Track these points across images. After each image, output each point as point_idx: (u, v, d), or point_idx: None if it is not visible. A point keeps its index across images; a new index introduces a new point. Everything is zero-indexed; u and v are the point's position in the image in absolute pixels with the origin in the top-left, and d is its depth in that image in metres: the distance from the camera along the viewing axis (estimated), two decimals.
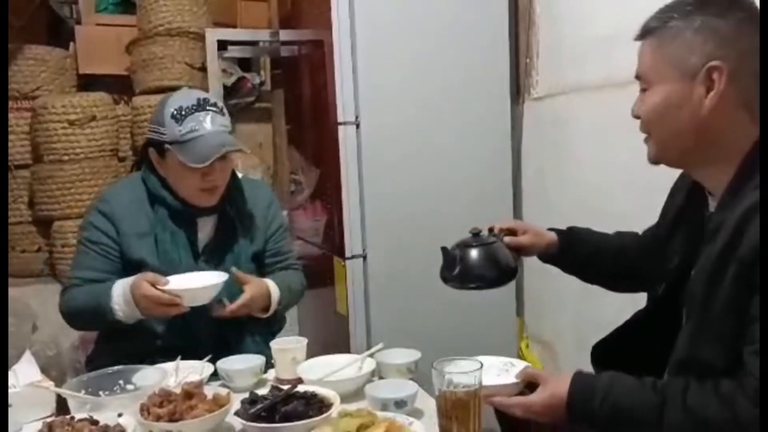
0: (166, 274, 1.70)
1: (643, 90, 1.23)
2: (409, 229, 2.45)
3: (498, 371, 1.41)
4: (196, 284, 1.66)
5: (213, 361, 1.61)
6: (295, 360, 1.57)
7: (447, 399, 1.17)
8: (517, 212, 2.67)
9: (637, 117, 1.26)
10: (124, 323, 1.69)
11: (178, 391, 1.35)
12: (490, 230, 1.59)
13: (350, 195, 2.40)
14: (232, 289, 1.73)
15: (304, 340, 1.62)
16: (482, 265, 1.51)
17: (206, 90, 3.09)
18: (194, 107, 1.72)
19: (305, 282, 2.02)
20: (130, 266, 1.78)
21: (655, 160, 1.26)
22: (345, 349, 2.43)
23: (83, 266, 1.79)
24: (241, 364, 1.59)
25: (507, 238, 1.57)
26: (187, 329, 1.75)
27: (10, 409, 1.42)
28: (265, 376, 1.62)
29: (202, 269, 1.77)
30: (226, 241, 1.83)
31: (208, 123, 1.71)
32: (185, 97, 1.76)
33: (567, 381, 1.21)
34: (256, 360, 1.60)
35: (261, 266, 1.92)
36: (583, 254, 1.58)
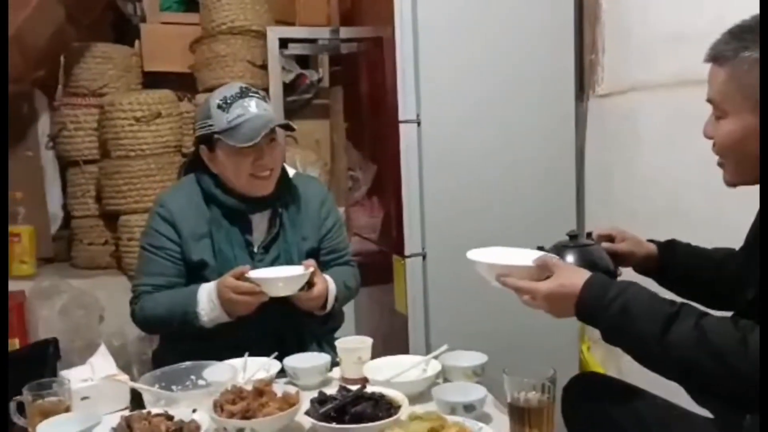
0: (223, 270, 1.74)
1: (717, 117, 1.23)
2: (470, 227, 2.43)
3: (521, 259, 1.39)
4: (281, 274, 1.71)
5: (278, 358, 1.63)
6: (360, 360, 1.58)
7: (520, 405, 1.16)
8: (580, 211, 2.63)
9: (708, 137, 1.25)
10: (205, 328, 1.72)
11: (249, 388, 1.38)
12: (588, 235, 1.59)
13: (410, 193, 2.39)
14: None
15: (369, 340, 1.62)
16: (578, 266, 1.44)
17: (266, 88, 3.13)
18: (238, 95, 1.77)
19: (360, 279, 2.03)
20: (190, 268, 1.82)
21: (731, 184, 1.26)
22: (403, 347, 2.44)
23: (151, 272, 1.83)
24: (307, 363, 1.61)
25: (605, 244, 1.53)
26: (248, 327, 1.76)
27: (86, 401, 1.47)
28: (329, 374, 1.64)
29: (257, 267, 1.78)
30: (279, 238, 1.85)
31: (253, 107, 1.76)
32: (228, 89, 1.81)
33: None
34: (322, 359, 1.62)
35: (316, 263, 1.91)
36: (683, 268, 1.53)
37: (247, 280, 1.65)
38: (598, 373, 1.66)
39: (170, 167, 3.01)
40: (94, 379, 1.51)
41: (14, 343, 2.67)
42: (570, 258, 1.48)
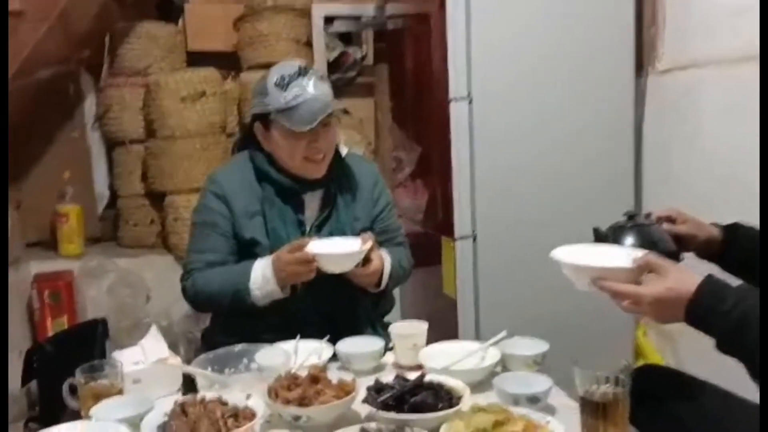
0: (276, 248, 1.71)
1: None
2: (522, 209, 2.37)
3: (617, 259, 1.26)
4: (340, 250, 1.65)
5: (330, 341, 1.60)
6: (415, 346, 1.53)
7: (595, 400, 1.09)
8: (638, 190, 2.53)
9: None
10: (256, 305, 1.69)
11: (303, 374, 1.34)
12: (647, 216, 1.51)
13: (460, 173, 2.33)
14: None
15: (425, 326, 1.57)
16: (637, 247, 1.39)
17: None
18: (296, 74, 1.72)
19: (412, 260, 1.98)
20: (242, 246, 1.80)
21: None
22: (451, 331, 2.39)
23: (204, 249, 1.81)
24: (360, 348, 1.56)
25: (665, 226, 1.46)
26: (300, 307, 1.74)
27: (138, 385, 1.45)
28: (383, 360, 1.60)
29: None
30: (331, 217, 1.82)
31: (311, 88, 1.71)
32: (286, 66, 1.76)
33: (694, 277, 1.11)
34: (376, 344, 1.58)
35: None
36: (747, 252, 1.43)
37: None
38: (660, 365, 1.58)
39: (215, 147, 2.99)
40: (146, 362, 1.49)
41: (63, 322, 2.70)
42: (629, 239, 1.42)
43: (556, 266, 1.37)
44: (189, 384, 1.48)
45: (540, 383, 1.32)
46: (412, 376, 1.35)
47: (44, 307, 2.68)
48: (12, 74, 2.40)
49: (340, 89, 3.37)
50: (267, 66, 3.05)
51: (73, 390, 1.41)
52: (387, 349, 1.62)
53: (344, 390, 1.29)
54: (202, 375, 1.40)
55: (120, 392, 1.38)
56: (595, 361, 1.21)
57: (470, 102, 2.29)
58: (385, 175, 3.21)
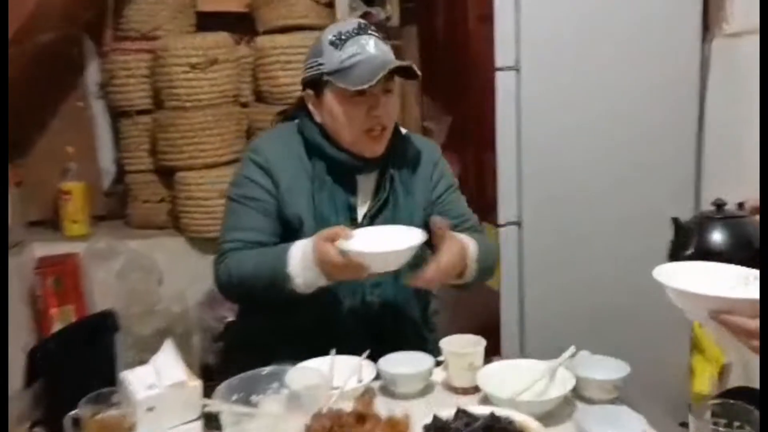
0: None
1: None
2: (573, 192, 2.14)
3: (735, 283, 1.06)
4: (385, 247, 1.35)
5: (370, 355, 1.38)
6: (472, 366, 1.32)
7: None
8: (699, 171, 2.28)
9: None
10: (301, 293, 1.45)
11: (346, 407, 1.13)
12: (740, 205, 1.33)
13: (506, 152, 2.10)
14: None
15: (483, 342, 1.36)
16: (727, 244, 1.23)
17: None
18: (355, 31, 1.50)
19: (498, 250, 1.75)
20: (286, 226, 1.56)
21: None
22: (493, 324, 2.19)
23: (242, 227, 1.55)
24: (407, 367, 1.35)
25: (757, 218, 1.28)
26: (339, 311, 1.53)
27: (152, 414, 1.25)
28: (432, 377, 1.38)
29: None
30: (387, 206, 1.57)
31: (372, 46, 1.47)
32: (343, 24, 1.55)
33: None
34: (425, 362, 1.36)
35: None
36: None
37: (343, 251, 1.35)
38: (744, 389, 1.37)
39: (228, 119, 2.75)
40: (161, 386, 1.28)
41: (70, 311, 2.50)
42: (717, 234, 1.24)
43: (605, 254, 1.17)
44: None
45: (631, 422, 1.11)
46: (471, 403, 1.16)
47: (48, 294, 2.49)
48: (10, 38, 2.17)
49: None
50: (284, 29, 2.83)
51: (77, 423, 1.21)
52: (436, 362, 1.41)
53: (396, 429, 1.08)
54: (227, 412, 1.19)
55: (132, 428, 1.18)
56: (649, 355, 1.01)
57: (518, 71, 2.04)
58: None
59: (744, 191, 2.08)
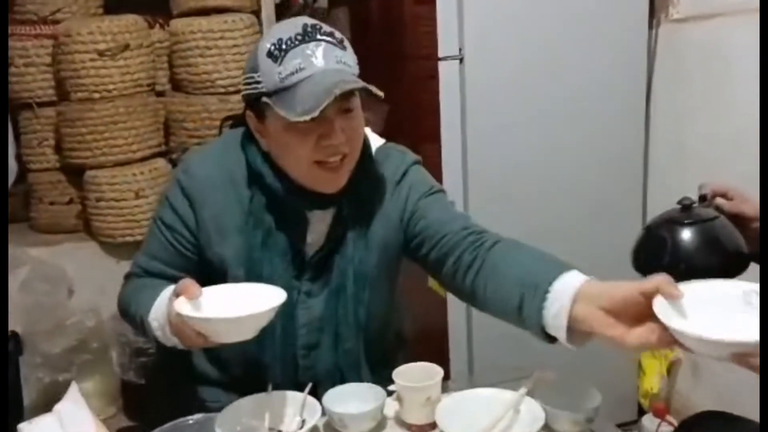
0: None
1: None
2: (521, 183, 2.05)
3: (738, 306, 0.92)
4: (233, 311, 1.08)
5: (312, 390, 1.22)
6: (430, 400, 1.17)
7: None
8: (646, 158, 2.21)
9: None
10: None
11: None
12: (702, 199, 1.25)
13: (451, 146, 1.97)
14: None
15: (440, 373, 1.21)
16: (702, 251, 1.17)
17: (256, 10, 2.59)
18: (299, 37, 1.16)
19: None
20: (210, 268, 1.30)
21: None
22: (439, 334, 2.06)
23: (149, 253, 1.33)
24: (356, 404, 1.19)
25: (720, 201, 1.23)
26: (265, 375, 1.27)
27: None
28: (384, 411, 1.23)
29: (306, 289, 1.29)
30: (338, 251, 1.28)
31: (320, 58, 1.15)
32: (287, 27, 1.19)
33: None
34: (375, 397, 1.20)
35: (426, 265, 1.31)
36: None
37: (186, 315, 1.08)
38: (722, 412, 1.29)
39: (142, 111, 2.51)
40: None
41: None
42: (687, 236, 1.18)
43: (556, 250, 1.06)
44: None
45: None
46: None
47: None
48: None
49: None
50: (203, 11, 2.58)
51: None
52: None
53: None
54: None
55: None
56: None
57: (461, 61, 1.91)
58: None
59: (688, 172, 2.03)
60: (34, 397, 2.21)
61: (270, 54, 1.17)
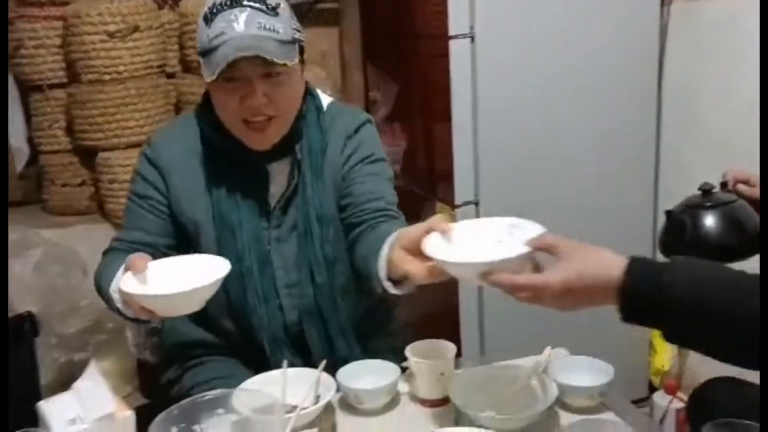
0: (225, 242, 1.34)
1: None
2: (533, 163, 2.03)
3: (498, 237, 1.04)
4: (178, 285, 1.11)
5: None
6: (443, 376, 1.18)
7: None
8: (658, 136, 2.20)
9: None
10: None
11: None
12: (723, 185, 1.29)
13: (462, 126, 1.96)
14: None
15: (453, 349, 1.22)
16: (721, 232, 1.22)
17: None
18: (228, 3, 1.26)
19: None
20: (184, 231, 1.40)
21: None
22: (449, 317, 2.07)
23: (128, 226, 1.42)
24: (371, 380, 1.21)
25: (742, 187, 1.27)
26: (254, 323, 1.38)
27: None
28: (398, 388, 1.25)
29: (275, 236, 1.38)
30: (297, 195, 1.39)
31: (241, 23, 1.25)
32: None
33: (607, 254, 0.92)
34: (390, 373, 1.22)
35: (342, 224, 1.41)
36: None
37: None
38: (732, 378, 1.30)
39: (153, 92, 2.50)
40: (86, 419, 1.10)
41: None
42: (710, 221, 1.22)
43: (567, 232, 1.10)
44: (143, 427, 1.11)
45: None
46: (443, 416, 1.09)
47: None
48: None
49: (299, 17, 2.89)
50: None
51: None
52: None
53: None
54: None
55: None
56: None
57: (472, 40, 1.89)
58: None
59: (701, 149, 2.02)
60: (50, 377, 2.23)
61: (204, 17, 1.29)
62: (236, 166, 1.37)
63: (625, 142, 2.11)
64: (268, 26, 1.25)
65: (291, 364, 1.25)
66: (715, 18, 2.01)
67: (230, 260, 1.19)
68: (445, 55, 1.90)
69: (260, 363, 1.34)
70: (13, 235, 2.43)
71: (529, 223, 1.02)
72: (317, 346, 1.39)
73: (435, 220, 1.04)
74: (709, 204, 1.24)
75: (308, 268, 1.38)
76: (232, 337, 1.42)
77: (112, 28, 2.37)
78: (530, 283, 0.93)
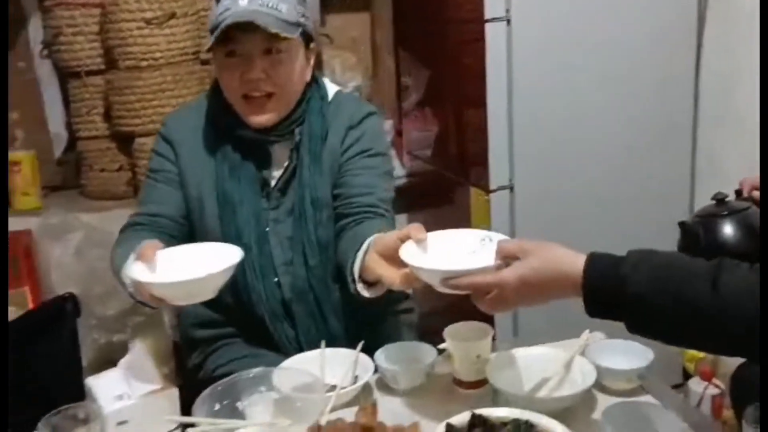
0: (226, 219, 1.39)
1: None
2: (569, 149, 2.02)
3: (471, 249, 1.08)
4: (189, 273, 1.12)
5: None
6: (480, 358, 1.19)
7: None
8: (695, 125, 2.16)
9: None
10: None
11: (347, 417, 1.01)
12: (738, 194, 1.32)
13: (497, 111, 1.94)
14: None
15: (491, 332, 1.23)
16: (736, 240, 1.23)
17: None
18: None
19: None
20: (190, 208, 1.45)
21: None
22: None
23: (147, 199, 1.48)
24: (408, 360, 1.22)
25: (757, 194, 1.29)
26: (252, 300, 1.42)
27: (123, 428, 1.10)
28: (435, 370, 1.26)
29: (273, 216, 1.42)
30: (295, 177, 1.43)
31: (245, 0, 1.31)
32: None
33: (567, 251, 0.96)
34: (427, 354, 1.24)
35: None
36: None
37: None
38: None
39: (189, 79, 2.53)
40: (132, 395, 1.14)
41: (24, 294, 2.31)
42: (726, 230, 1.24)
43: (603, 218, 1.09)
44: (187, 410, 1.13)
45: (668, 421, 1.00)
46: (481, 398, 1.08)
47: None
48: None
49: (327, 3, 2.89)
50: None
51: None
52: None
53: None
54: (208, 428, 1.04)
55: None
56: None
57: (508, 23, 1.88)
58: (388, 107, 2.83)
59: (736, 138, 1.98)
60: (90, 357, 2.29)
61: None
62: (239, 145, 1.42)
63: (660, 130, 2.09)
64: (270, 4, 1.32)
65: (288, 339, 1.34)
66: (754, 7, 1.97)
67: (230, 236, 1.28)
68: (480, 39, 1.90)
69: (265, 338, 1.41)
70: (53, 219, 2.49)
71: (502, 237, 1.07)
72: (310, 325, 1.42)
73: (412, 228, 1.08)
74: (723, 213, 1.26)
75: (302, 250, 1.41)
76: (233, 313, 1.47)
77: (149, 15, 2.40)
78: (487, 281, 0.96)
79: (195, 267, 1.14)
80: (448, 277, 0.98)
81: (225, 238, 1.35)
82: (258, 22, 1.27)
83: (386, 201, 1.41)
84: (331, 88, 1.49)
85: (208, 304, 1.43)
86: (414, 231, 1.07)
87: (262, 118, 1.38)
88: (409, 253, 1.04)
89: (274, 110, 1.38)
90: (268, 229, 1.42)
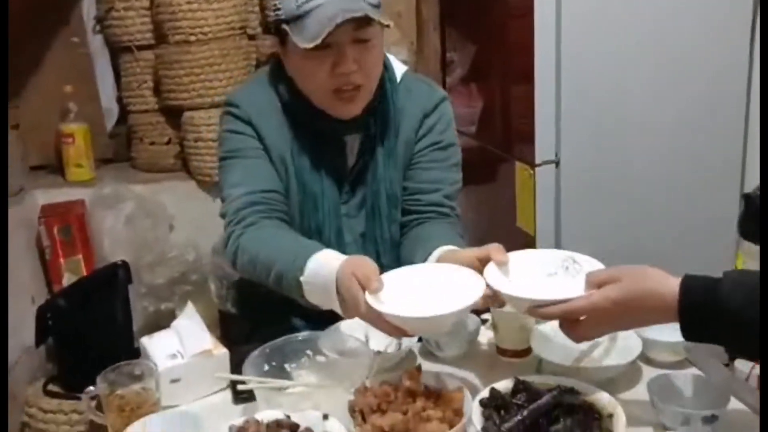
0: (307, 212, 1.33)
1: None
2: (615, 128, 1.98)
3: (553, 270, 1.06)
4: (428, 311, 1.00)
5: None
6: (524, 327, 1.20)
7: None
8: (748, 106, 2.10)
9: None
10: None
11: (391, 379, 1.03)
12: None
13: (545, 84, 1.92)
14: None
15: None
16: None
17: None
18: None
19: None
20: None
21: None
22: None
23: (240, 181, 1.31)
24: (452, 329, 1.23)
25: None
26: None
27: (176, 386, 1.15)
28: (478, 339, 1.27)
29: (345, 211, 1.36)
30: (368, 170, 1.36)
31: None
32: None
33: (659, 271, 0.92)
34: (470, 322, 1.25)
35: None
36: None
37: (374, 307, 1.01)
38: None
39: (236, 53, 2.56)
40: (185, 355, 1.18)
41: (78, 261, 2.39)
42: None
43: (649, 193, 1.07)
44: (237, 369, 1.16)
45: (713, 393, 0.99)
46: (524, 366, 1.09)
47: (55, 244, 2.37)
48: None
49: None
50: None
51: (96, 401, 1.10)
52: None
53: (452, 408, 0.97)
54: (260, 387, 1.08)
55: (156, 405, 1.07)
56: None
57: None
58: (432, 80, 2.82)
59: None
60: (140, 323, 2.36)
61: None
62: (315, 135, 1.34)
63: (711, 106, 2.03)
64: None
65: None
66: None
67: (310, 230, 1.24)
68: (528, 14, 1.87)
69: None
70: (106, 189, 2.56)
71: (586, 258, 1.05)
72: None
73: (492, 249, 1.06)
74: None
75: (375, 248, 1.36)
76: (300, 308, 1.30)
77: None
78: (578, 306, 0.93)
79: (426, 296, 1.05)
80: (539, 306, 0.97)
81: (303, 232, 1.31)
82: (368, 12, 1.17)
83: (452, 196, 1.38)
84: (399, 69, 1.40)
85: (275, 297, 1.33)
86: (495, 253, 1.05)
87: (353, 110, 1.30)
88: (494, 276, 1.02)
89: (363, 100, 1.30)
90: (342, 221, 1.36)
